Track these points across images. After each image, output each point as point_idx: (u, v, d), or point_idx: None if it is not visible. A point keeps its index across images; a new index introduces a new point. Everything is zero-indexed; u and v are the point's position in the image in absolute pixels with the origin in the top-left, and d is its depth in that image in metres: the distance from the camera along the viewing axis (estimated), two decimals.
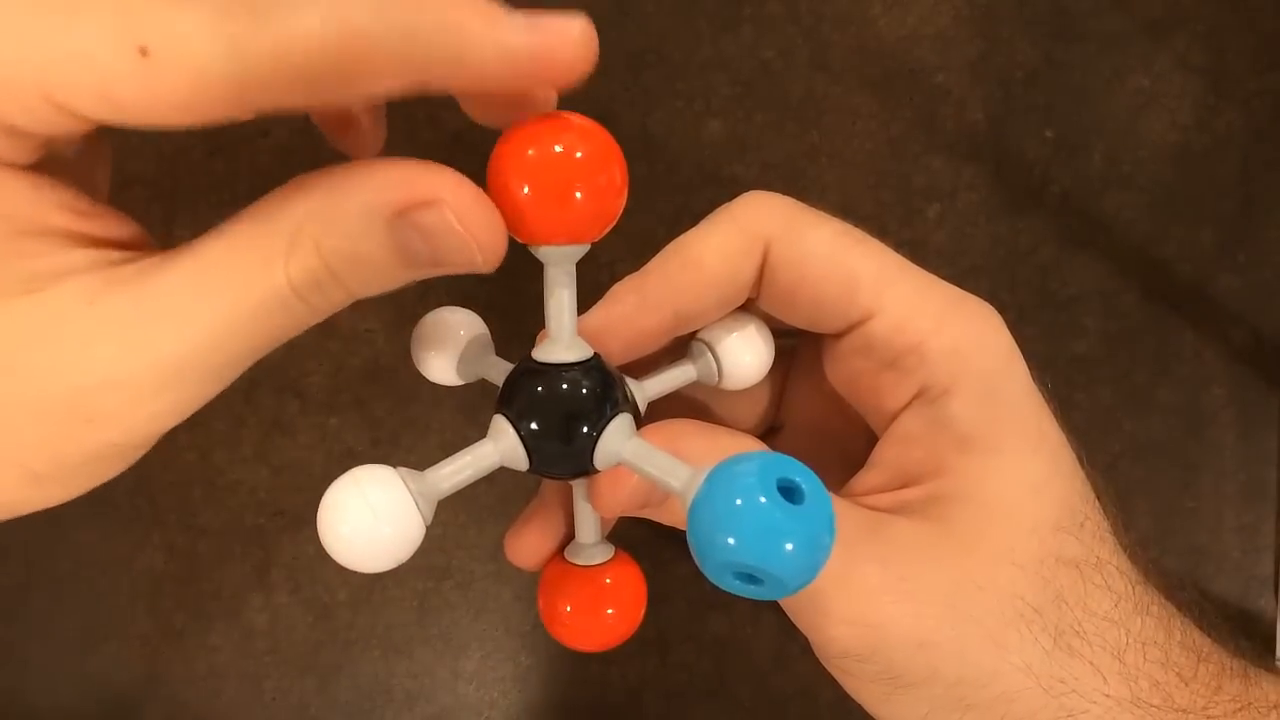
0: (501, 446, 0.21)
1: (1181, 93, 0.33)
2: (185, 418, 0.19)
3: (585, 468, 0.21)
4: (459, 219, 0.17)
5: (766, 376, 0.25)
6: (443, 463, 0.20)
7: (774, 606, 0.34)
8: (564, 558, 0.25)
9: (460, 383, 0.25)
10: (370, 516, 0.18)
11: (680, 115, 0.32)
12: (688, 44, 0.31)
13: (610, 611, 0.24)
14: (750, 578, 0.16)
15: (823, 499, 0.16)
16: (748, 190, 0.24)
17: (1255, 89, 0.33)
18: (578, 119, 0.19)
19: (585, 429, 0.20)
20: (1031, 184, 0.33)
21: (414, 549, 0.19)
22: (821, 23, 0.32)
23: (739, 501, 0.16)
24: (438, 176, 0.18)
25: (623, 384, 0.22)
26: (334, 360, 0.32)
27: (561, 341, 0.21)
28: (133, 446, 0.19)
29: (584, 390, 0.21)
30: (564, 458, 0.21)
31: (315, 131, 0.30)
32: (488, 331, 0.25)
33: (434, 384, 0.32)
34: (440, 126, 0.31)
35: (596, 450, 0.20)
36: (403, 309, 0.31)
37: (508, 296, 0.31)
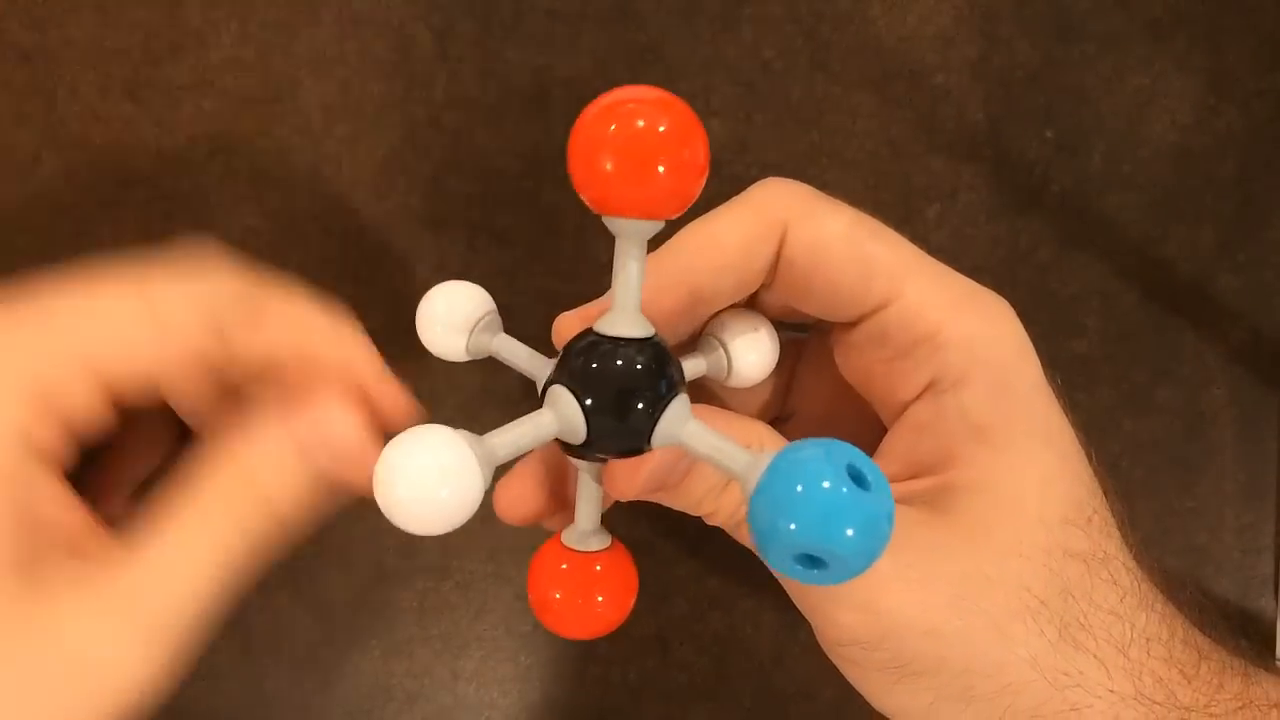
0: (561, 417, 0.20)
1: (1181, 93, 0.33)
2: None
3: (639, 446, 0.21)
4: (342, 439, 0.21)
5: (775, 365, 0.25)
6: (501, 429, 0.19)
7: (775, 606, 0.34)
8: (559, 541, 0.24)
9: (466, 359, 0.25)
10: (434, 476, 0.17)
11: None
12: (688, 44, 0.31)
13: (600, 599, 0.24)
14: (812, 561, 0.16)
15: (885, 485, 0.17)
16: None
17: (1255, 89, 0.33)
18: (660, 93, 0.19)
19: (646, 407, 0.20)
20: (1031, 184, 0.33)
21: (471, 513, 0.18)
22: (821, 23, 0.32)
23: (807, 485, 0.16)
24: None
25: (679, 364, 0.21)
26: None
27: (628, 315, 0.20)
28: (148, 693, 0.20)
29: (650, 367, 0.20)
30: (621, 434, 0.20)
31: (315, 131, 0.30)
32: (495, 307, 0.25)
33: (433, 385, 0.32)
34: (441, 127, 0.31)
35: (655, 430, 0.20)
36: (402, 309, 0.31)
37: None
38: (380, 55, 0.30)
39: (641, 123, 0.18)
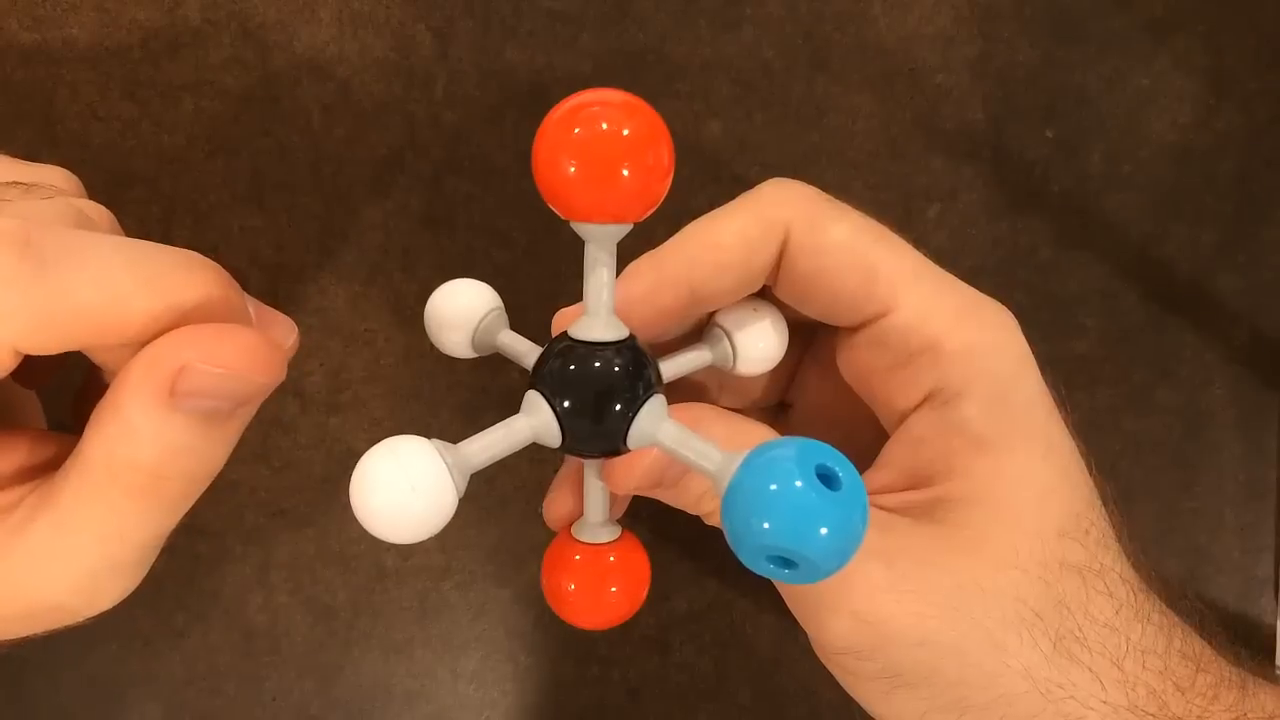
0: (535, 422, 0.20)
1: (1181, 93, 0.33)
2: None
3: (617, 447, 0.21)
4: (215, 364, 0.18)
5: None
6: (476, 436, 0.20)
7: (775, 607, 0.34)
8: (570, 534, 0.25)
9: (474, 355, 0.25)
10: (406, 487, 0.18)
11: (680, 115, 0.32)
12: (688, 44, 0.31)
13: (613, 590, 0.24)
14: (784, 561, 0.16)
15: (858, 485, 0.17)
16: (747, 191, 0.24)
17: (1255, 89, 0.33)
18: (625, 96, 0.19)
19: (620, 409, 0.20)
20: (1031, 184, 0.33)
21: (446, 521, 0.18)
22: (821, 23, 0.32)
23: (775, 485, 0.16)
24: (174, 338, 0.18)
25: (656, 365, 0.22)
26: (334, 360, 0.32)
27: (600, 320, 0.21)
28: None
29: (621, 370, 0.20)
30: (597, 436, 0.21)
31: (315, 130, 0.30)
32: (502, 305, 0.25)
33: (434, 385, 0.32)
34: (441, 127, 0.31)
35: (630, 431, 0.20)
36: (402, 308, 0.31)
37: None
38: (380, 55, 0.30)
39: (605, 126, 0.18)
